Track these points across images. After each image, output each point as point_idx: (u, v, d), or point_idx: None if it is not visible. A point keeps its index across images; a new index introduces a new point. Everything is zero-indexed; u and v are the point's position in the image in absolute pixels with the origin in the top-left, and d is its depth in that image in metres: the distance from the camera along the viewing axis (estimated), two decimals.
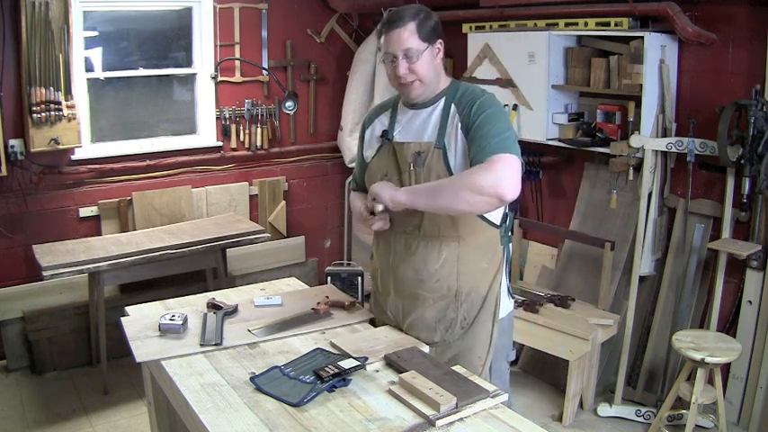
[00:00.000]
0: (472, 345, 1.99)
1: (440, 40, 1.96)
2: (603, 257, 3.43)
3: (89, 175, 4.03)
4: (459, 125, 1.90)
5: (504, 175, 1.72)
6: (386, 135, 2.03)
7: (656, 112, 3.31)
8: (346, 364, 1.75)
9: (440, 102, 1.97)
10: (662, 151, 3.33)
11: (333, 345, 1.95)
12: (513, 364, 2.26)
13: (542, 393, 3.65)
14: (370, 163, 2.09)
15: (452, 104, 1.94)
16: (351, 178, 2.44)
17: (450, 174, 1.89)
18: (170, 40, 4.36)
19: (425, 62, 1.92)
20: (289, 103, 4.58)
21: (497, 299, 1.99)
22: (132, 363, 1.97)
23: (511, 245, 2.07)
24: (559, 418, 3.37)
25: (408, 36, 1.89)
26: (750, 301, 3.19)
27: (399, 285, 2.04)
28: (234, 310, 2.19)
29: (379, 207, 1.89)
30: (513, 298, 2.13)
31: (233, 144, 4.52)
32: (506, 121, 1.89)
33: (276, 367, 1.79)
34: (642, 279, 3.47)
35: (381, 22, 1.97)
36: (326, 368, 1.73)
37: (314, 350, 1.90)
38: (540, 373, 3.82)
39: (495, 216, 1.97)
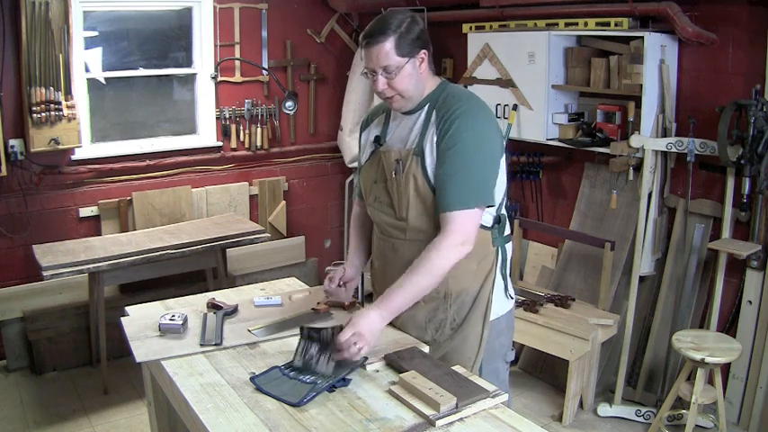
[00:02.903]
0: (461, 345, 1.99)
1: (423, 50, 1.90)
2: (603, 257, 3.43)
3: (89, 175, 4.03)
4: (435, 135, 1.87)
5: (467, 240, 1.84)
6: (378, 141, 2.03)
7: (656, 112, 3.31)
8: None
9: (425, 107, 1.95)
10: (662, 151, 3.33)
11: None
12: (513, 364, 2.25)
13: (542, 393, 3.65)
14: (362, 169, 2.09)
15: (434, 110, 1.92)
16: (351, 178, 2.44)
17: (427, 179, 1.87)
18: (170, 40, 4.36)
19: (405, 77, 1.87)
20: (289, 103, 4.57)
21: (489, 300, 1.98)
22: (132, 363, 1.97)
23: (508, 245, 2.05)
24: (559, 418, 3.37)
25: (386, 53, 1.83)
26: (750, 301, 3.19)
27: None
28: (234, 310, 2.19)
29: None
30: (512, 298, 2.10)
31: (233, 144, 4.52)
32: (478, 154, 1.84)
33: (276, 367, 1.79)
34: (642, 279, 3.47)
35: (362, 34, 1.91)
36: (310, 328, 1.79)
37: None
38: (540, 373, 3.82)
39: (486, 218, 1.94)
